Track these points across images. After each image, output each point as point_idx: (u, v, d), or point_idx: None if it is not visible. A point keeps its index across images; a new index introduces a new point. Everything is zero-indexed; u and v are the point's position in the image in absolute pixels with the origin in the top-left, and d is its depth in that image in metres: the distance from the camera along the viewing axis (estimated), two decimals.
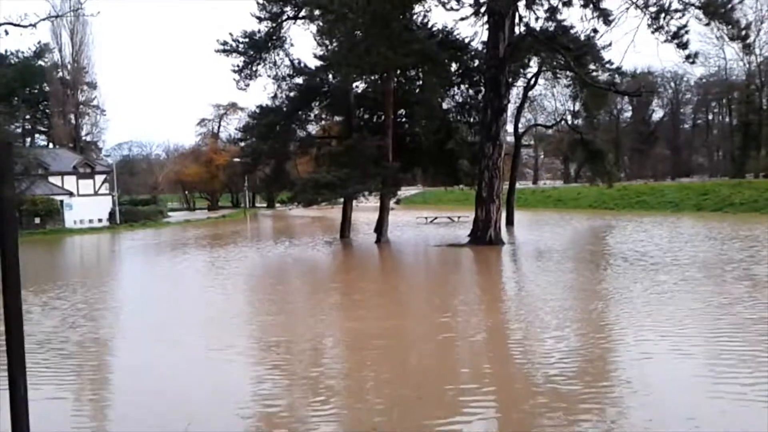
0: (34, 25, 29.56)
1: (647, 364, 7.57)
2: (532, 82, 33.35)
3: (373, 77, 27.86)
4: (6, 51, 56.31)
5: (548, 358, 8.04)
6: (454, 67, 27.39)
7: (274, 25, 26.68)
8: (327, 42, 27.50)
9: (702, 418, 5.80)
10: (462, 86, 28.71)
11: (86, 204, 44.02)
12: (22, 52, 58.23)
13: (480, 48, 25.83)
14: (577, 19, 61.29)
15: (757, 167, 54.99)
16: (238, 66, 27.56)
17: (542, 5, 21.92)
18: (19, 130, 54.17)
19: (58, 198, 42.30)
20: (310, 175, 29.11)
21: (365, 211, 31.30)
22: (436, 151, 27.64)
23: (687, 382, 6.97)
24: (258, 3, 26.00)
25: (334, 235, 29.46)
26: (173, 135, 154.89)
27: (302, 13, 25.89)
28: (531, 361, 8.05)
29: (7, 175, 4.10)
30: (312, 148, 31.52)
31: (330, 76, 28.22)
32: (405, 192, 48.93)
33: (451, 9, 22.31)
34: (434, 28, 26.02)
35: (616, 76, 27.02)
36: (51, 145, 55.43)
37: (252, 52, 27.39)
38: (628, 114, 74.05)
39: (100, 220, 44.43)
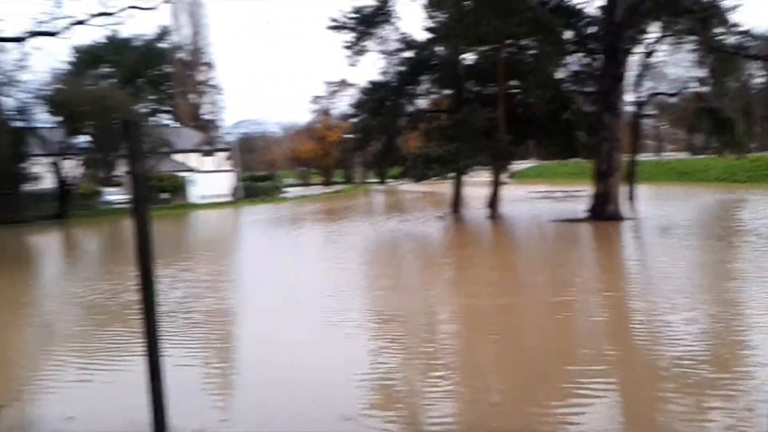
0: (154, 8, 31.32)
1: None
2: (652, 48, 31.24)
3: (483, 48, 27.23)
4: (131, 35, 59.88)
5: (676, 340, 7.58)
6: (568, 34, 26.18)
7: None
8: (436, 14, 27.18)
9: None
10: (577, 54, 27.41)
11: (209, 180, 46.69)
12: (145, 36, 61.59)
13: (596, 14, 24.55)
14: None
15: None
16: (349, 42, 27.96)
17: None
18: (145, 111, 57.76)
19: (182, 174, 45.24)
20: (420, 150, 29.12)
21: (476, 186, 30.88)
22: (550, 123, 26.56)
23: None
24: None
25: (444, 210, 29.40)
26: (289, 113, 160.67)
27: None
28: (657, 343, 7.63)
29: (137, 153, 4.41)
30: (422, 122, 31.38)
31: (439, 48, 27.90)
32: (517, 165, 47.59)
33: None
34: None
35: (746, 38, 24.76)
36: (175, 124, 58.96)
37: (361, 28, 27.62)
38: (762, 80, 67.62)
39: (222, 196, 46.88)
